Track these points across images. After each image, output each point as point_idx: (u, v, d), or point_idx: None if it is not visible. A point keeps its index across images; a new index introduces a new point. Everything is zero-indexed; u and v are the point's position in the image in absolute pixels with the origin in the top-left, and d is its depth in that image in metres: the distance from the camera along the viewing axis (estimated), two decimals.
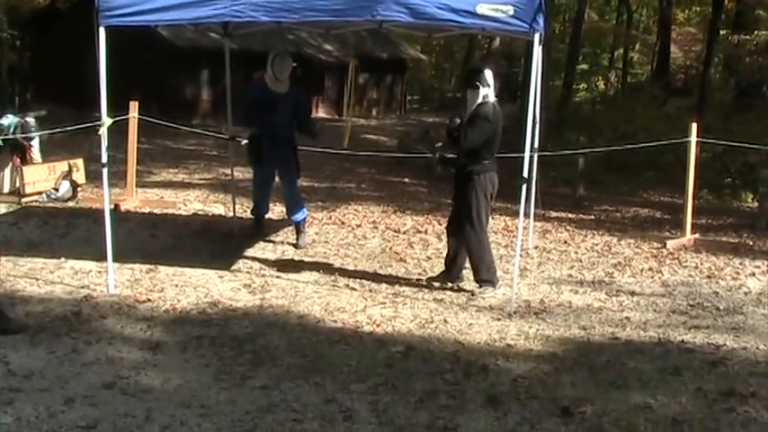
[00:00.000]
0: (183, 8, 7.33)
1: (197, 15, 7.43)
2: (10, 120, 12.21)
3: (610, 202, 14.89)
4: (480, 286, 8.06)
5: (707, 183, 15.64)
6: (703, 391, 5.82)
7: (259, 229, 10.23)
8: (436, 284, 8.31)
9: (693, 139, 11.02)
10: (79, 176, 12.69)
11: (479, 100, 7.85)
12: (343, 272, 8.79)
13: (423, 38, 29.97)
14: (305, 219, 10.03)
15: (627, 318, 7.59)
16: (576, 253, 10.28)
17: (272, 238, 10.08)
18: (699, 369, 6.29)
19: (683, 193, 11.34)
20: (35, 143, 12.37)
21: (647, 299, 8.28)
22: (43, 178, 12.26)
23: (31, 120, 12.42)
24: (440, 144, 9.84)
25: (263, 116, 9.33)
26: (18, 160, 12.19)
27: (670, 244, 10.78)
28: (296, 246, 9.77)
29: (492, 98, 7.92)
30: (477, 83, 7.85)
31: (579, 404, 5.49)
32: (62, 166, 12.47)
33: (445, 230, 8.62)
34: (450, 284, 8.27)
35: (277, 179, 9.92)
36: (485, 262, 8.06)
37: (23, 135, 12.09)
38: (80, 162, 12.81)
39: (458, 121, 7.91)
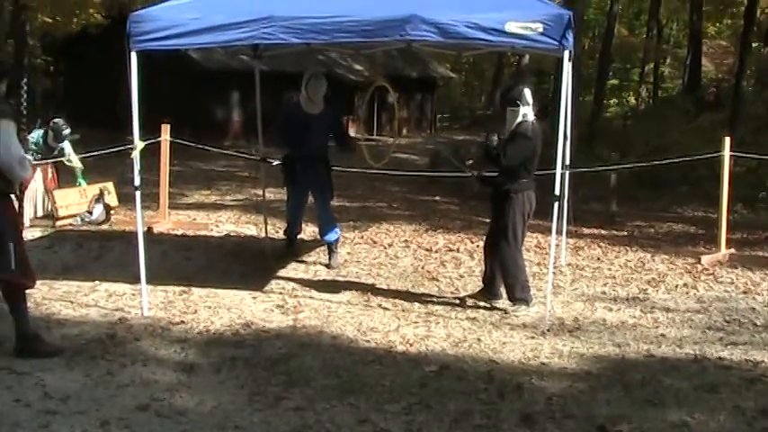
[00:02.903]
0: (213, 32, 7.38)
1: (227, 38, 7.46)
2: (36, 134, 12.24)
3: (643, 218, 14.79)
4: (514, 304, 8.04)
5: (741, 197, 15.49)
6: (741, 409, 5.75)
7: (292, 249, 10.25)
8: (471, 303, 8.28)
9: (727, 153, 10.94)
10: (111, 199, 12.78)
11: (519, 119, 7.87)
12: (376, 291, 8.79)
13: (452, 56, 30.00)
14: (338, 239, 10.03)
15: (662, 334, 7.53)
16: (609, 270, 10.22)
17: (303, 259, 10.10)
18: (736, 386, 6.22)
19: (717, 208, 11.25)
20: (66, 146, 12.36)
21: (682, 315, 8.21)
22: (76, 202, 12.37)
23: (59, 120, 12.43)
24: (470, 162, 9.82)
25: (296, 137, 9.35)
26: (51, 180, 12.29)
27: (705, 259, 10.69)
28: (328, 266, 9.78)
29: (531, 117, 7.93)
30: (518, 101, 7.87)
31: (615, 423, 5.44)
32: (93, 190, 12.56)
33: (483, 248, 8.57)
34: (486, 303, 8.24)
35: (311, 199, 9.94)
36: (519, 281, 8.03)
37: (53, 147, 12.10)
38: (110, 185, 12.90)
39: (495, 138, 7.91)
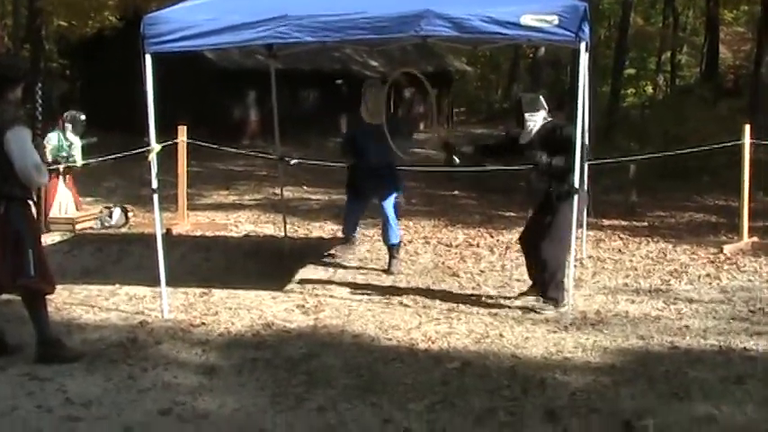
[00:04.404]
0: (228, 32, 7.37)
1: (242, 38, 7.45)
2: (53, 136, 12.19)
3: (663, 208, 14.69)
4: (543, 302, 7.96)
5: (762, 185, 15.31)
6: None
7: (351, 247, 10.11)
8: (520, 303, 8.15)
9: (747, 140, 10.85)
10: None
11: (540, 122, 7.94)
12: (397, 289, 8.77)
13: (468, 50, 29.91)
14: (399, 243, 9.85)
15: (686, 326, 7.47)
16: (630, 261, 10.15)
17: (323, 258, 10.08)
18: (763, 377, 6.15)
19: (739, 197, 11.16)
20: (77, 141, 12.33)
21: (705, 306, 8.15)
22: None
23: (72, 111, 12.45)
24: (469, 149, 9.68)
25: (362, 149, 9.30)
26: (68, 181, 12.32)
27: (727, 249, 10.60)
28: (387, 272, 9.54)
29: (548, 119, 8.02)
30: (537, 108, 7.96)
31: (640, 417, 5.38)
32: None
33: (520, 244, 8.47)
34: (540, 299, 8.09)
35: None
36: (555, 279, 7.91)
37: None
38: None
39: (541, 156, 7.80)
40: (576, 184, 7.50)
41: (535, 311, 7.82)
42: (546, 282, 7.94)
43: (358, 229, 10.23)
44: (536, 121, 7.94)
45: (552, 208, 7.85)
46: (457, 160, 8.79)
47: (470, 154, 9.19)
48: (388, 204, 9.55)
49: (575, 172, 7.46)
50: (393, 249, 9.69)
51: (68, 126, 12.21)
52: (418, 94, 34.61)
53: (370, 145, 9.22)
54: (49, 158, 11.78)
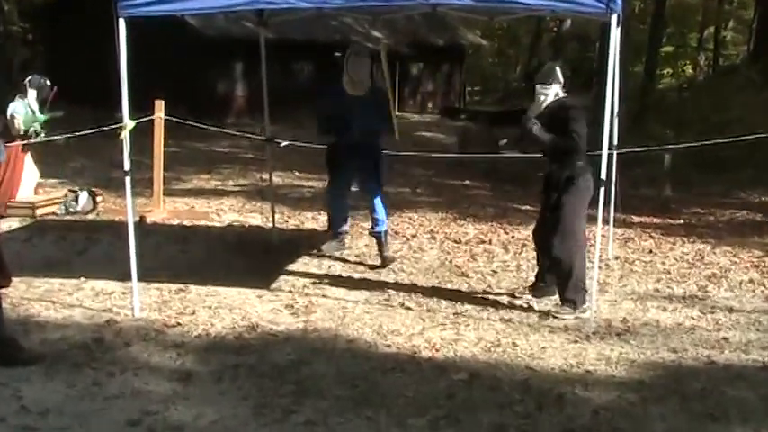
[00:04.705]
0: None
1: (228, 3, 7.45)
2: (18, 105, 12.05)
3: (701, 205, 14.69)
4: (561, 305, 8.00)
5: None
6: None
7: (339, 245, 10.15)
8: (517, 302, 8.24)
9: None
10: None
11: (551, 97, 7.96)
12: (398, 289, 8.78)
13: (483, 21, 29.90)
14: (386, 231, 9.91)
15: (725, 338, 7.48)
16: (663, 264, 10.16)
17: (316, 252, 10.09)
18: None
19: None
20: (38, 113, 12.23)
21: (747, 316, 8.16)
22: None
23: (34, 75, 12.45)
24: (504, 141, 9.82)
25: (341, 124, 9.30)
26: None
27: None
28: (382, 263, 9.69)
29: (562, 95, 8.01)
30: (551, 80, 7.96)
31: None
32: None
33: (534, 239, 8.53)
34: (546, 299, 8.25)
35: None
36: (572, 280, 7.94)
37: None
38: None
39: (535, 123, 7.86)
40: (603, 175, 7.51)
41: (554, 317, 7.83)
42: (561, 282, 8.00)
43: (349, 221, 10.24)
44: (548, 94, 7.98)
45: (556, 196, 7.92)
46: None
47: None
48: (373, 192, 9.64)
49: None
50: (380, 237, 9.79)
51: (32, 93, 12.11)
52: (428, 70, 34.63)
53: (352, 119, 9.22)
54: (22, 130, 11.81)
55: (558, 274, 8.01)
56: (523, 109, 8.60)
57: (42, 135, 12.22)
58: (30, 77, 12.36)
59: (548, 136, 7.81)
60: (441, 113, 8.44)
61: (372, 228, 9.79)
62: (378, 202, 9.70)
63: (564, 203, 7.86)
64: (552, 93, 7.96)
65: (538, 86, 8.01)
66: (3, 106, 12.15)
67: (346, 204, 9.99)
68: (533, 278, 8.61)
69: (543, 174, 8.27)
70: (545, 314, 7.93)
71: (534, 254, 8.78)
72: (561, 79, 8.03)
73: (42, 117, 12.19)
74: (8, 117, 11.90)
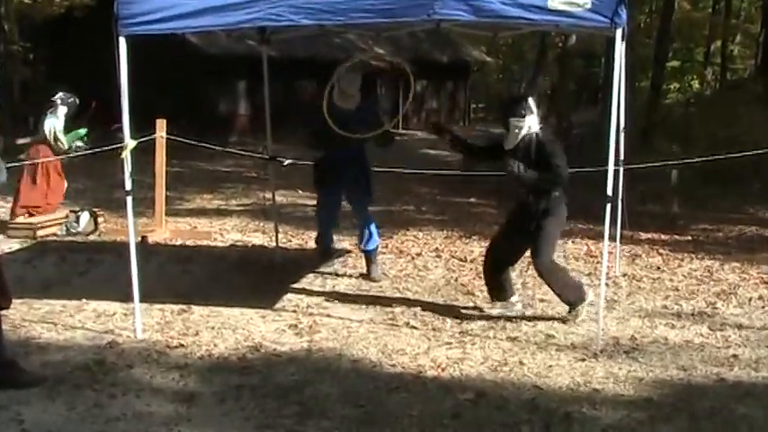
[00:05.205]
0: (213, 13, 7.37)
1: (230, 21, 7.44)
2: (54, 122, 12.36)
3: (709, 221, 14.68)
4: (571, 311, 8.22)
5: None
6: None
7: (325, 261, 10.15)
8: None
9: None
10: None
11: (525, 130, 8.10)
12: (403, 308, 8.77)
13: (487, 37, 29.95)
14: (377, 248, 10.04)
15: (734, 355, 7.46)
16: (671, 280, 10.15)
17: (321, 270, 10.10)
18: None
19: None
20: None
21: (757, 333, 8.14)
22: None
23: (67, 95, 12.61)
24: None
25: (331, 137, 9.32)
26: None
27: None
28: (368, 278, 9.82)
29: (536, 127, 8.15)
30: (523, 112, 8.09)
31: None
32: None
33: (485, 267, 8.73)
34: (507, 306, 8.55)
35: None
36: (567, 285, 8.35)
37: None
38: None
39: (516, 165, 7.99)
40: (610, 191, 7.53)
41: (571, 322, 7.94)
42: (562, 294, 8.31)
43: (335, 238, 10.31)
44: (522, 126, 8.10)
45: (531, 221, 8.15)
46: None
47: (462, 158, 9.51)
48: (362, 207, 9.77)
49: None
50: (370, 255, 9.89)
51: (62, 109, 12.31)
52: (432, 87, 34.66)
53: (344, 133, 9.25)
54: (65, 146, 12.26)
55: (554, 289, 8.35)
56: (497, 140, 8.67)
57: (82, 148, 12.45)
58: (60, 94, 12.51)
59: (532, 175, 7.97)
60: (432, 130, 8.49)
61: (362, 244, 9.86)
62: (368, 217, 9.81)
63: (542, 229, 8.12)
64: (527, 125, 8.08)
65: (512, 120, 8.12)
66: (1, 124, 12.29)
67: (335, 219, 10.07)
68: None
69: (517, 201, 8.41)
70: (552, 334, 7.93)
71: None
72: (534, 110, 8.19)
73: (83, 131, 12.36)
74: (47, 132, 12.29)
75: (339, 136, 9.12)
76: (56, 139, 12.20)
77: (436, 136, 9.19)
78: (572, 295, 8.26)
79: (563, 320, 8.23)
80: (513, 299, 8.62)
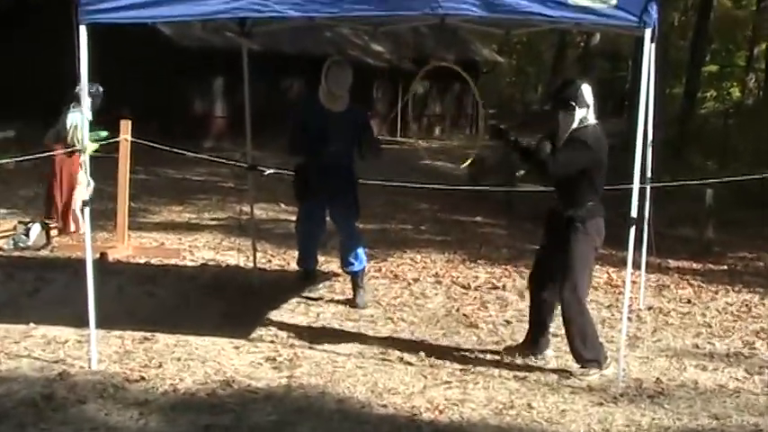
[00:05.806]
0: (187, 1, 7.36)
1: (206, 10, 7.43)
2: (75, 118, 12.33)
3: (749, 248, 14.72)
4: (582, 367, 7.96)
5: None
6: None
7: (309, 285, 10.17)
8: (515, 359, 8.26)
9: None
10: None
11: (575, 123, 7.84)
12: (396, 341, 8.77)
13: (500, 35, 30.02)
14: (363, 270, 10.04)
15: None
16: (703, 316, 10.17)
17: (305, 295, 10.10)
18: None
19: None
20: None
21: None
22: None
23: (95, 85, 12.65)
24: (521, 173, 9.86)
25: (314, 141, 9.34)
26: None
27: None
28: (353, 304, 9.82)
29: (591, 120, 7.89)
30: (572, 102, 7.84)
31: None
32: None
33: (528, 287, 8.55)
34: (533, 358, 8.22)
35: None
36: (588, 337, 7.93)
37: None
38: None
39: (548, 145, 7.87)
40: (634, 212, 7.52)
41: (578, 378, 7.81)
42: (576, 342, 7.94)
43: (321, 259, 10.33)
44: (570, 121, 7.83)
45: (563, 236, 7.87)
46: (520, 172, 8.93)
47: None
48: (348, 223, 9.76)
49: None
50: (357, 278, 9.91)
51: (93, 101, 12.30)
52: (436, 90, 34.69)
53: (328, 136, 9.30)
54: (79, 143, 12.14)
55: (569, 333, 7.96)
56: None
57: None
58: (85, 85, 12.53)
59: (535, 156, 7.88)
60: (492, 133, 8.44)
61: (346, 266, 9.87)
62: (355, 235, 9.82)
63: (573, 247, 7.81)
64: (576, 118, 7.82)
65: (561, 112, 7.92)
66: None
67: (319, 238, 10.12)
68: (553, 335, 8.55)
69: (548, 209, 8.27)
70: (567, 373, 7.91)
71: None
72: (589, 101, 7.87)
73: (104, 134, 12.35)
74: (67, 127, 12.27)
75: (321, 141, 9.15)
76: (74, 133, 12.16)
77: (497, 140, 8.99)
78: (588, 352, 7.93)
79: (569, 372, 7.99)
80: (548, 352, 8.33)
